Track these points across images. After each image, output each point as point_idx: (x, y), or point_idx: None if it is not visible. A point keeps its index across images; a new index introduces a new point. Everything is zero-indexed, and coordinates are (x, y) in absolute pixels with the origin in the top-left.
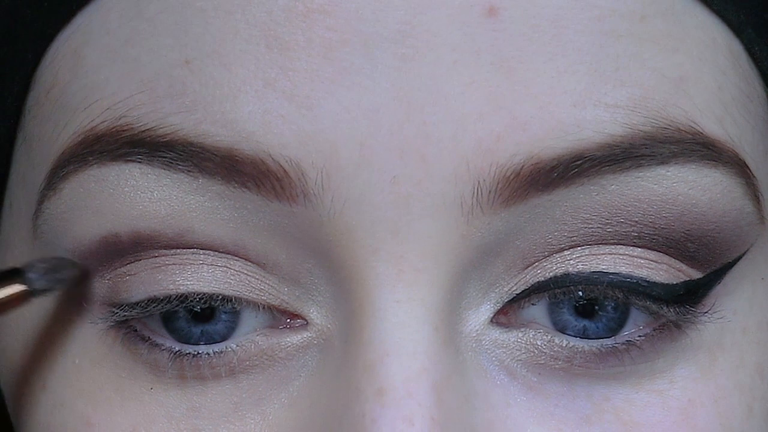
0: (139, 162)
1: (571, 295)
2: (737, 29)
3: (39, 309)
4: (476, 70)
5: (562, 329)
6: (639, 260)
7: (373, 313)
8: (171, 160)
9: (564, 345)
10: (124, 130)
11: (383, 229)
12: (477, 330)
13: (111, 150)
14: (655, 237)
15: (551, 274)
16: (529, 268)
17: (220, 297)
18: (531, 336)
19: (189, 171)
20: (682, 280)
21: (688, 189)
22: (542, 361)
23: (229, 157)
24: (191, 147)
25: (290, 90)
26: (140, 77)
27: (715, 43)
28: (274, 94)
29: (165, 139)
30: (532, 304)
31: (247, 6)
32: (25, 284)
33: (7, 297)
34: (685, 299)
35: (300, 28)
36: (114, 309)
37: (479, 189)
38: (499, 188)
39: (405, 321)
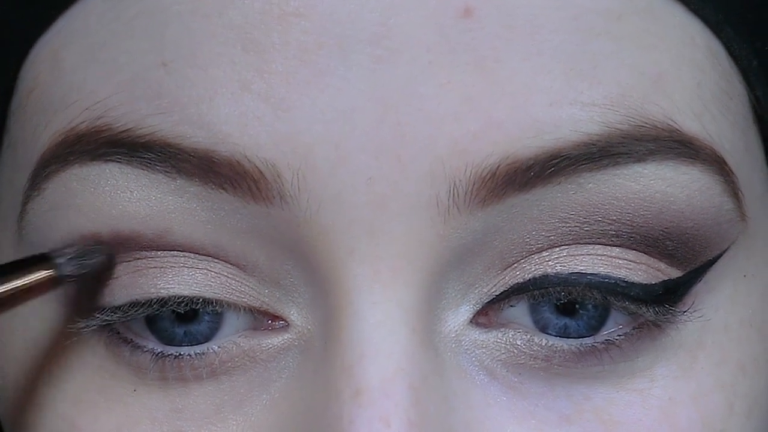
0: (119, 162)
1: (550, 297)
2: (716, 28)
3: (26, 311)
4: (452, 70)
5: (543, 327)
6: (618, 261)
7: (351, 314)
8: (149, 161)
9: (543, 344)
10: (103, 131)
11: (359, 230)
12: (456, 330)
13: (91, 150)
14: (633, 235)
15: (530, 275)
16: (508, 269)
17: (201, 300)
18: (510, 336)
19: (167, 172)
20: (660, 280)
21: (665, 186)
22: (522, 361)
23: (206, 158)
24: (169, 148)
25: (266, 92)
26: (118, 79)
27: (693, 42)
28: (249, 96)
29: (143, 140)
30: (511, 306)
31: (224, 9)
32: (53, 270)
33: (34, 282)
34: (664, 299)
35: (275, 30)
36: (96, 313)
37: (455, 189)
38: (475, 188)
39: (382, 322)
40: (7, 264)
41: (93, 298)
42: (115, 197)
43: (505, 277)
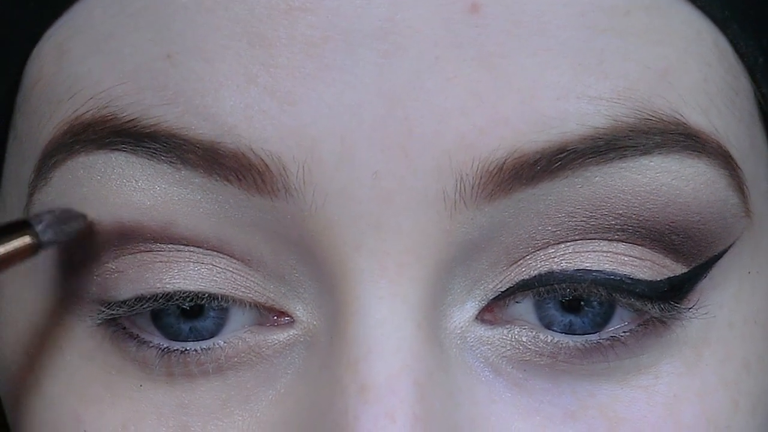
0: (125, 151)
1: (556, 294)
2: (722, 25)
3: (33, 305)
4: (458, 65)
5: (548, 324)
6: (623, 257)
7: (356, 309)
8: (155, 151)
9: (549, 341)
10: (108, 120)
11: (366, 224)
12: (462, 327)
13: (96, 139)
14: (639, 230)
15: (536, 272)
16: (514, 265)
17: (207, 295)
18: (516, 332)
19: (172, 162)
20: (666, 277)
21: (671, 179)
22: (527, 357)
23: (212, 149)
24: (174, 139)
25: (271, 85)
26: (122, 69)
27: (700, 38)
28: (255, 89)
29: (148, 130)
30: (517, 302)
31: (230, 3)
32: (32, 236)
33: (15, 250)
34: (670, 296)
35: (282, 24)
36: (102, 307)
37: (462, 183)
38: (482, 182)
39: (388, 318)
40: None
41: (98, 287)
42: (120, 186)
43: (510, 274)
